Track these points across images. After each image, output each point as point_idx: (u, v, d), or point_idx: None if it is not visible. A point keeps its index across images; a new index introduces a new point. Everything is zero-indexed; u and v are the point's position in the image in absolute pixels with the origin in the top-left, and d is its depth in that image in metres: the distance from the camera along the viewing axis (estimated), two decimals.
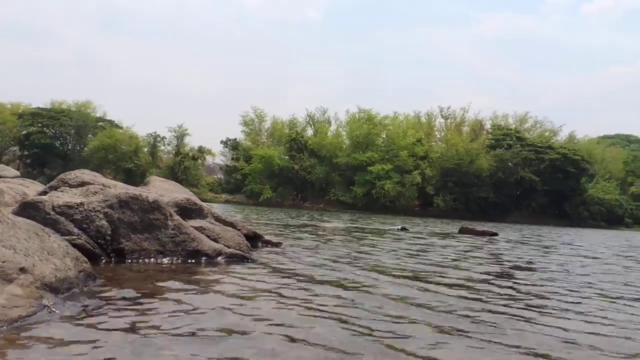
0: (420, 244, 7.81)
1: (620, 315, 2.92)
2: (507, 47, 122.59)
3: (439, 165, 43.71)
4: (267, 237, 5.75)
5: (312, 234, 8.44)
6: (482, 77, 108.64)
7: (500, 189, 45.32)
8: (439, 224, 20.89)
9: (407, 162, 42.18)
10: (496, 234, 13.29)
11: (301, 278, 3.46)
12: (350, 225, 14.06)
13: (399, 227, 13.74)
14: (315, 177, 43.06)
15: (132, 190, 3.94)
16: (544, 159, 45.74)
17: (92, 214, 3.41)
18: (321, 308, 2.47)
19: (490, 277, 4.32)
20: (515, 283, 3.97)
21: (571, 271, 5.18)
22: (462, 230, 13.30)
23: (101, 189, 3.78)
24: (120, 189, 3.87)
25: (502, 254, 6.99)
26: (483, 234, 12.99)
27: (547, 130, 51.14)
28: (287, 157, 44.87)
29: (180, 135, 47.12)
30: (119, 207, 3.55)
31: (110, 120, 51.83)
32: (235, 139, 48.93)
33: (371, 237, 8.83)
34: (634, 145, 62.61)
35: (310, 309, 2.45)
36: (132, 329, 1.85)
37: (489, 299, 3.13)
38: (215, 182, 49.27)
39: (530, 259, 6.47)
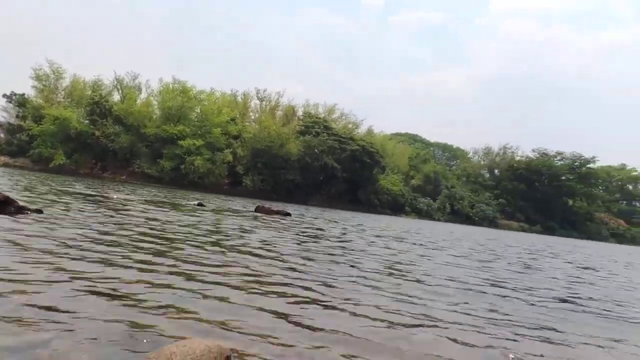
0: (196, 218, 9.25)
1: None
2: (324, 41, 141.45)
3: (251, 146, 49.82)
4: (23, 204, 5.77)
5: (91, 204, 8.95)
6: (300, 66, 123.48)
7: (307, 174, 54.06)
8: (242, 202, 24.17)
9: (219, 139, 46.91)
10: (289, 214, 15.48)
11: (29, 246, 3.66)
12: (148, 198, 15.12)
13: (196, 202, 15.20)
14: (118, 146, 44.39)
15: None
16: (346, 148, 56.29)
17: None
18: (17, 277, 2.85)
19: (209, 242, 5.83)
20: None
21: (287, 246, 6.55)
22: (258, 209, 15.17)
23: None
24: None
25: (257, 229, 8.95)
26: (277, 213, 14.98)
27: (350, 123, 63.05)
28: (87, 121, 45.11)
29: None
30: None
31: None
32: (24, 94, 46.39)
33: (152, 211, 9.78)
34: (418, 144, 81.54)
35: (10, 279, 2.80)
36: None
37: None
38: None
39: (276, 236, 7.91)
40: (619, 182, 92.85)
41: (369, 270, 5.45)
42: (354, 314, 3.25)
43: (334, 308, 3.36)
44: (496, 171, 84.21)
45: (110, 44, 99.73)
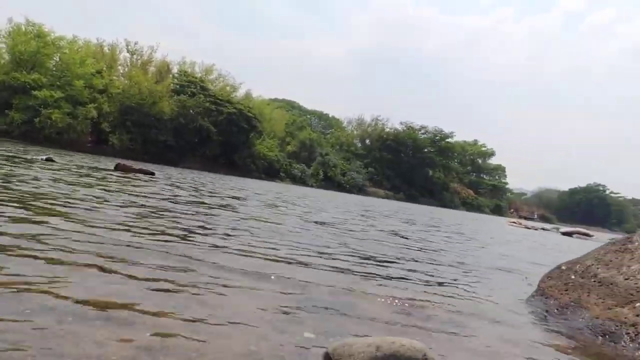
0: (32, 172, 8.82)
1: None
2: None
3: (119, 102, 48.25)
4: None
5: None
6: (175, 22, 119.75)
7: (180, 135, 54.10)
8: (106, 161, 23.97)
9: (82, 93, 44.58)
10: (153, 173, 15.46)
11: None
12: None
13: (45, 157, 14.78)
14: None
15: None
16: (222, 111, 57.21)
17: None
18: None
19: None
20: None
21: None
22: (118, 167, 15.02)
23: None
24: None
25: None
26: (139, 171, 15.01)
27: (228, 85, 63.74)
28: None
29: None
30: None
31: None
32: None
33: None
34: (295, 111, 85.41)
35: None
36: None
37: None
38: None
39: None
40: (471, 156, 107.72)
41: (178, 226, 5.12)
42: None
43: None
44: (367, 141, 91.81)
45: None
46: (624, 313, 3.08)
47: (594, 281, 3.56)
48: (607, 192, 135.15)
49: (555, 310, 3.59)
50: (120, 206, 5.94)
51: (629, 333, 2.92)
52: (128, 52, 54.30)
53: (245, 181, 35.86)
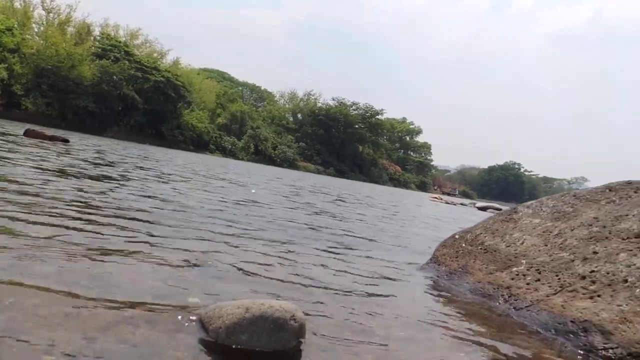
0: None
1: None
2: None
3: (33, 64, 44.68)
4: None
5: None
6: None
7: (102, 102, 51.03)
8: (15, 127, 22.50)
9: None
10: (67, 141, 14.98)
11: None
12: None
13: None
14: None
15: None
16: (149, 79, 54.54)
17: None
18: None
19: None
20: None
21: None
22: (27, 133, 14.54)
23: None
24: None
25: None
26: (52, 138, 14.58)
27: (155, 51, 60.73)
28: None
29: None
30: None
31: None
32: None
33: None
34: (226, 82, 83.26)
35: None
36: None
37: None
38: None
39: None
40: (399, 134, 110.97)
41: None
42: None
43: None
44: (299, 115, 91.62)
45: None
46: (501, 277, 3.31)
47: (481, 249, 3.79)
48: (522, 170, 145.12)
49: (445, 276, 3.80)
50: None
51: (503, 295, 3.14)
52: (43, 9, 50.01)
53: (172, 152, 34.66)
